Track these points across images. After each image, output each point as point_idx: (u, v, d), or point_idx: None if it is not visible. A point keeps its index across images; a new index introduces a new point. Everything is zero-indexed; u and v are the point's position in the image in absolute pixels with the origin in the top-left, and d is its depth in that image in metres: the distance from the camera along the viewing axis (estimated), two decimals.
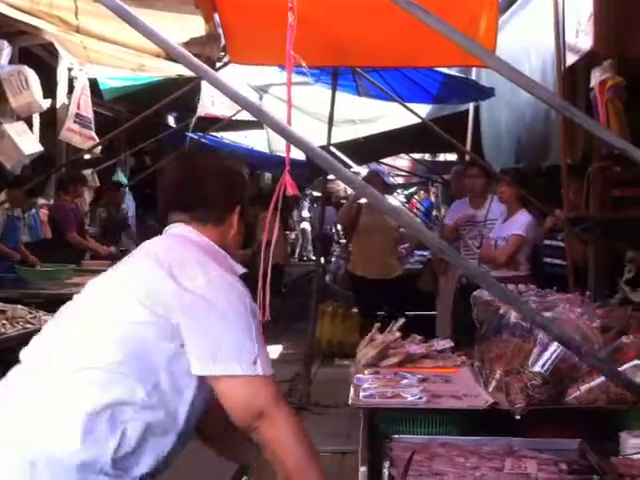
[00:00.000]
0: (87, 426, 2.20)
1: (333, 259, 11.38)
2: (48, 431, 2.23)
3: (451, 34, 2.22)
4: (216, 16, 5.74)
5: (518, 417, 2.97)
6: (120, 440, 2.24)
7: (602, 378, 2.92)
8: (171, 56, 2.17)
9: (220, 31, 5.99)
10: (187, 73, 8.68)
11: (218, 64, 7.23)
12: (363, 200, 9.44)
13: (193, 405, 2.37)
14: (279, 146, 11.49)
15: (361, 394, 3.31)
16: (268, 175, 22.68)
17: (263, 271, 3.47)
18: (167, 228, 2.64)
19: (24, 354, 2.45)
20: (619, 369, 2.87)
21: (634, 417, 2.94)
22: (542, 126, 7.04)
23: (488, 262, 6.82)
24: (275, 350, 10.30)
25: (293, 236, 23.49)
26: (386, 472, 2.52)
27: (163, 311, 2.30)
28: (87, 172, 10.75)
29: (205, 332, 2.30)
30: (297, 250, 25.80)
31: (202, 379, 2.33)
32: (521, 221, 6.72)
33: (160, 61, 7.60)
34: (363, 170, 16.80)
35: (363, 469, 2.66)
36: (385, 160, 15.61)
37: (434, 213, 17.49)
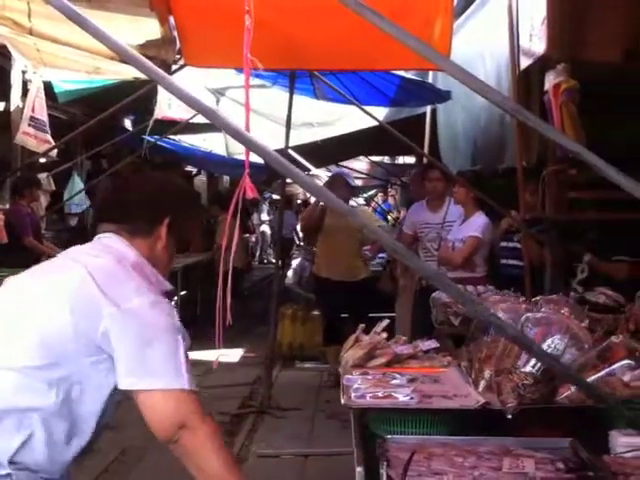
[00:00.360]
0: None
1: (297, 261, 11.31)
2: None
3: (404, 38, 2.22)
4: (171, 19, 5.70)
5: (510, 417, 2.99)
6: (23, 443, 2.29)
7: (592, 378, 2.94)
8: (122, 59, 2.15)
9: (175, 34, 5.95)
10: (143, 76, 8.62)
11: (174, 67, 7.18)
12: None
13: (103, 416, 2.45)
14: (237, 149, 11.48)
15: (352, 394, 3.30)
16: (226, 178, 22.60)
17: (223, 274, 3.45)
18: (98, 235, 2.62)
19: None
20: (612, 368, 2.91)
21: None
22: (497, 129, 7.10)
23: (446, 264, 6.87)
24: (236, 354, 10.27)
25: (253, 239, 23.42)
26: (384, 473, 2.51)
27: (89, 325, 2.31)
28: (42, 176, 10.61)
29: (132, 349, 2.32)
30: (257, 253, 25.74)
31: (119, 392, 2.40)
32: (477, 223, 6.77)
33: (116, 64, 7.53)
34: (322, 173, 16.82)
35: (360, 469, 2.66)
36: (344, 163, 15.63)
37: (394, 215, 17.53)
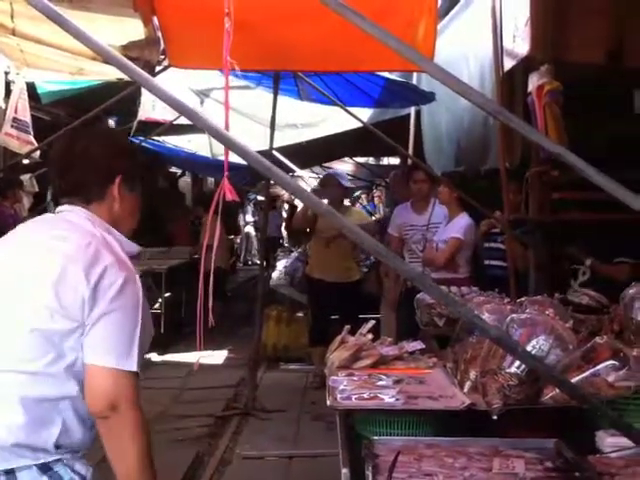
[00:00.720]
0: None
1: (284, 262, 11.26)
2: None
3: (385, 39, 2.21)
4: (155, 19, 5.69)
5: (495, 417, 2.99)
6: (62, 428, 2.44)
7: (576, 378, 2.94)
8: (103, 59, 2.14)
9: (159, 34, 5.94)
10: (127, 77, 8.60)
11: (158, 68, 7.17)
12: (324, 201, 9.42)
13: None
14: (221, 150, 11.45)
15: (338, 396, 3.30)
16: (211, 180, 22.57)
17: (205, 275, 3.46)
18: (58, 209, 2.65)
19: None
20: (596, 368, 2.92)
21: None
22: (481, 130, 7.11)
23: (429, 264, 6.89)
24: (220, 355, 10.26)
25: (238, 240, 23.40)
26: (370, 474, 2.51)
27: (75, 310, 2.40)
28: (26, 177, 10.56)
29: (96, 326, 2.40)
30: (242, 254, 25.72)
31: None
32: (460, 224, 6.79)
33: (99, 65, 7.51)
34: (306, 174, 16.83)
35: (345, 471, 2.67)
36: (328, 164, 15.64)
37: (377, 216, 17.56)
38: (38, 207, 11.16)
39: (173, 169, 19.10)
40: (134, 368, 2.43)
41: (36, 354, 2.40)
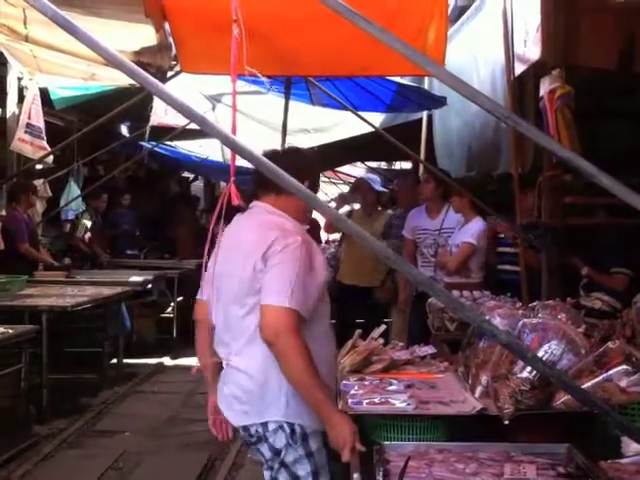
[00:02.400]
0: None
1: None
2: None
3: (394, 44, 2.22)
4: (167, 25, 5.70)
5: (507, 422, 2.99)
6: None
7: (589, 383, 2.94)
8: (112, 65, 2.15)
9: (171, 40, 5.95)
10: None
11: (169, 73, 7.19)
12: (356, 206, 9.40)
13: None
14: None
15: (349, 400, 3.31)
16: (223, 184, 22.57)
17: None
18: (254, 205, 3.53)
19: None
20: (608, 373, 2.91)
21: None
22: (492, 135, 7.09)
23: (442, 268, 6.87)
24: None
25: None
26: (380, 479, 2.53)
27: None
28: (39, 182, 10.59)
29: (266, 275, 3.17)
30: None
31: None
32: (473, 229, 6.75)
33: (111, 70, 7.54)
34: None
35: (356, 476, 2.69)
36: (340, 168, 15.64)
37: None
38: (51, 212, 11.22)
39: (185, 174, 19.13)
40: (287, 304, 3.06)
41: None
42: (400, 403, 3.24)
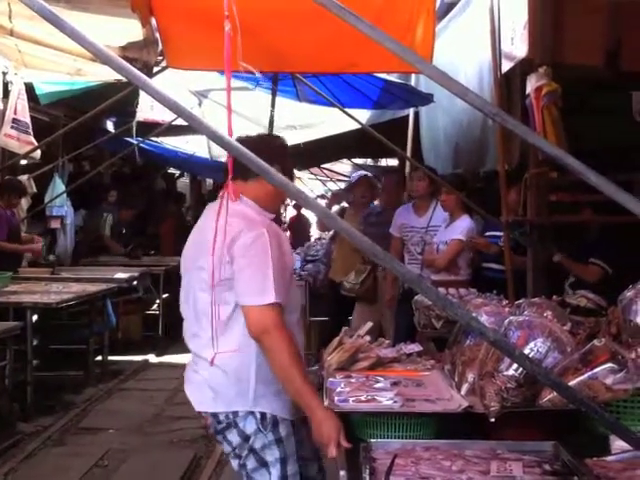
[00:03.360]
0: None
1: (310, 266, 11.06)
2: None
3: (384, 41, 2.21)
4: (153, 20, 5.67)
5: (493, 420, 3.00)
6: None
7: (574, 381, 2.94)
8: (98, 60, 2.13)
9: (157, 35, 5.92)
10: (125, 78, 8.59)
11: (156, 69, 7.16)
12: (346, 205, 9.36)
13: None
14: (219, 152, 11.44)
15: (335, 398, 3.30)
16: (209, 181, 22.54)
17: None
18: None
19: None
20: (594, 371, 2.91)
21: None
22: (479, 132, 7.09)
23: (429, 266, 6.87)
24: None
25: None
26: (367, 477, 2.52)
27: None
28: (24, 178, 10.54)
29: (237, 274, 3.27)
30: None
31: None
32: (462, 226, 6.76)
33: (97, 65, 7.50)
34: (304, 175, 16.81)
35: (343, 473, 2.70)
36: (326, 165, 15.64)
37: None
38: (36, 208, 11.16)
39: (171, 170, 19.07)
40: (270, 301, 3.19)
41: None
42: (386, 401, 3.24)
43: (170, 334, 11.03)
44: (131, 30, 5.97)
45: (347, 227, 2.05)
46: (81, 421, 7.40)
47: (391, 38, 2.23)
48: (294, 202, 20.90)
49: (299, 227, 18.96)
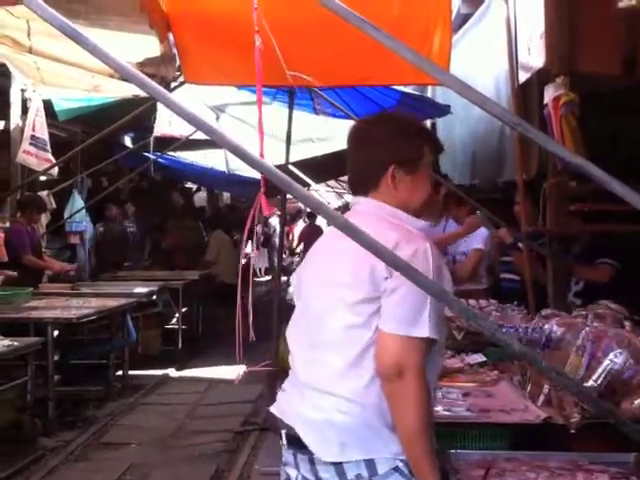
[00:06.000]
0: None
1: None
2: None
3: (403, 52, 2.21)
4: (170, 36, 5.72)
5: (573, 431, 2.96)
6: None
7: None
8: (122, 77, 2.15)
9: (175, 51, 5.96)
10: (143, 93, 8.65)
11: (173, 84, 7.20)
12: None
13: None
14: (237, 165, 11.49)
15: None
16: (227, 195, 22.62)
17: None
18: (350, 203, 2.88)
19: None
20: None
21: None
22: (496, 142, 7.09)
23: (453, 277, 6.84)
24: (237, 370, 10.20)
25: (254, 254, 23.24)
26: None
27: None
28: (43, 194, 10.61)
29: (389, 292, 2.52)
30: (258, 267, 25.57)
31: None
32: (480, 235, 6.74)
33: (115, 81, 7.55)
34: (322, 188, 16.82)
35: None
36: (344, 177, 15.62)
37: None
38: (55, 224, 11.23)
39: (189, 184, 19.16)
40: (421, 334, 2.47)
41: None
42: (461, 411, 3.23)
43: (189, 348, 11.07)
44: (149, 46, 6.01)
45: (370, 238, 2.05)
46: (103, 436, 7.39)
47: (410, 49, 2.23)
48: (306, 214, 21.03)
49: (311, 238, 18.93)
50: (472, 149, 8.05)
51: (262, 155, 3.06)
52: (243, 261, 3.32)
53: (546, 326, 3.74)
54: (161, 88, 2.19)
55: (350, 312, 2.56)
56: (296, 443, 2.64)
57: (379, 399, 2.52)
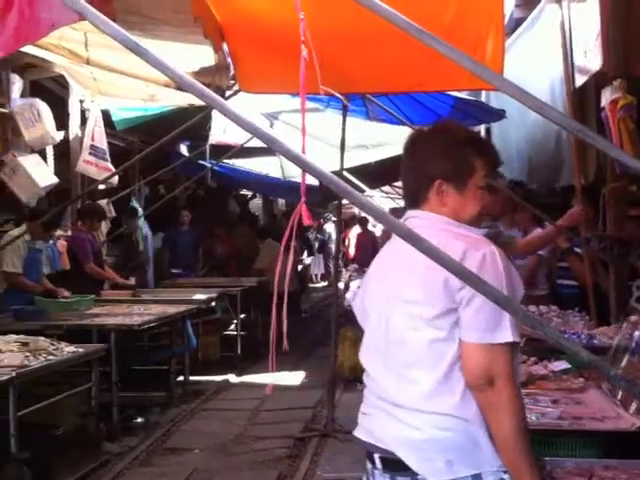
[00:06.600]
0: None
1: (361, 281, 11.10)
2: None
3: (459, 58, 2.23)
4: (225, 46, 5.77)
5: None
6: None
7: None
8: (181, 87, 2.19)
9: (229, 60, 6.02)
10: (198, 102, 8.75)
11: (228, 93, 7.28)
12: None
13: None
14: (293, 172, 11.54)
15: None
16: (282, 201, 22.73)
17: (277, 302, 3.41)
18: (405, 216, 2.79)
19: None
20: None
21: None
22: (553, 146, 7.04)
23: None
24: (297, 376, 10.25)
25: (308, 261, 23.33)
26: None
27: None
28: (103, 202, 10.79)
29: (466, 302, 2.48)
30: (314, 273, 25.64)
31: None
32: None
33: (170, 91, 7.67)
34: (376, 194, 16.82)
35: None
36: (398, 183, 15.61)
37: None
38: (115, 232, 11.42)
39: (243, 191, 19.30)
40: (505, 339, 2.44)
41: None
42: (553, 419, 3.19)
43: (249, 354, 11.15)
44: (203, 56, 6.09)
45: (432, 246, 2.05)
46: (166, 441, 7.46)
47: (467, 56, 2.24)
48: (357, 220, 20.99)
49: (365, 244, 18.91)
50: (528, 154, 7.99)
51: (304, 152, 3.06)
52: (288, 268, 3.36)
53: (636, 332, 3.70)
54: (220, 98, 2.23)
55: (430, 327, 2.51)
56: (394, 466, 2.56)
57: (478, 410, 2.48)
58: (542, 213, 6.73)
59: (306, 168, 2.21)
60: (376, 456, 2.61)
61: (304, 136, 3.24)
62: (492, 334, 2.42)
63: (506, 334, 2.42)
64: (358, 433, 2.74)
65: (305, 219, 2.95)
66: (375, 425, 2.66)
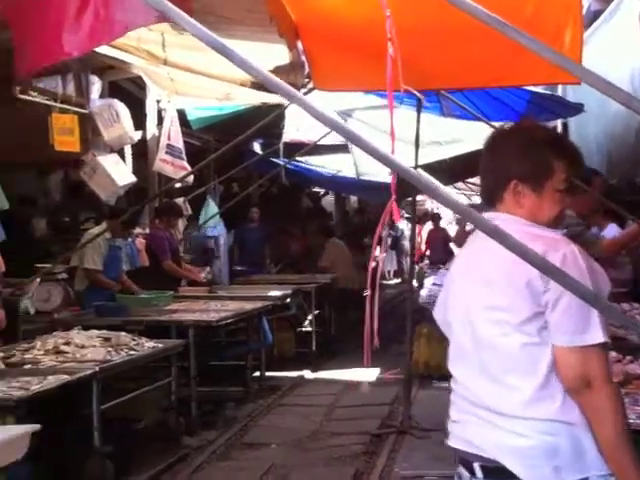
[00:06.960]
0: None
1: (436, 278, 11.01)
2: None
3: (543, 51, 2.22)
4: (299, 44, 5.81)
5: None
6: None
7: None
8: (264, 84, 2.22)
9: (304, 58, 6.06)
10: (271, 101, 8.84)
11: (302, 90, 7.32)
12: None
13: None
14: (366, 170, 11.54)
15: None
16: (354, 199, 22.73)
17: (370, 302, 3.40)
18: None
19: None
20: None
21: None
22: (634, 140, 6.91)
23: None
24: (372, 373, 10.25)
25: (381, 258, 23.22)
26: None
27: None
28: (179, 200, 10.96)
29: (552, 305, 2.45)
30: (387, 270, 25.48)
31: None
32: (611, 234, 6.56)
33: (244, 89, 7.76)
34: (450, 190, 16.70)
35: None
36: (472, 180, 15.51)
37: None
38: (191, 229, 11.58)
39: (316, 189, 19.37)
40: (597, 340, 2.40)
41: None
42: None
43: (324, 350, 11.19)
44: (278, 54, 6.14)
45: (515, 241, 2.04)
46: (243, 436, 7.52)
47: (549, 48, 2.23)
48: (430, 216, 20.85)
49: (437, 241, 18.72)
50: (607, 148, 7.86)
51: (393, 152, 3.08)
52: (373, 264, 3.37)
53: None
54: (304, 97, 2.26)
55: (519, 332, 2.47)
56: (497, 474, 2.52)
57: (580, 413, 2.44)
58: (625, 210, 6.63)
59: (388, 164, 2.22)
60: (476, 465, 2.57)
61: (393, 136, 3.24)
62: (582, 336, 2.38)
63: (597, 335, 2.38)
64: (453, 442, 2.72)
65: (396, 217, 2.96)
66: (471, 433, 2.63)
